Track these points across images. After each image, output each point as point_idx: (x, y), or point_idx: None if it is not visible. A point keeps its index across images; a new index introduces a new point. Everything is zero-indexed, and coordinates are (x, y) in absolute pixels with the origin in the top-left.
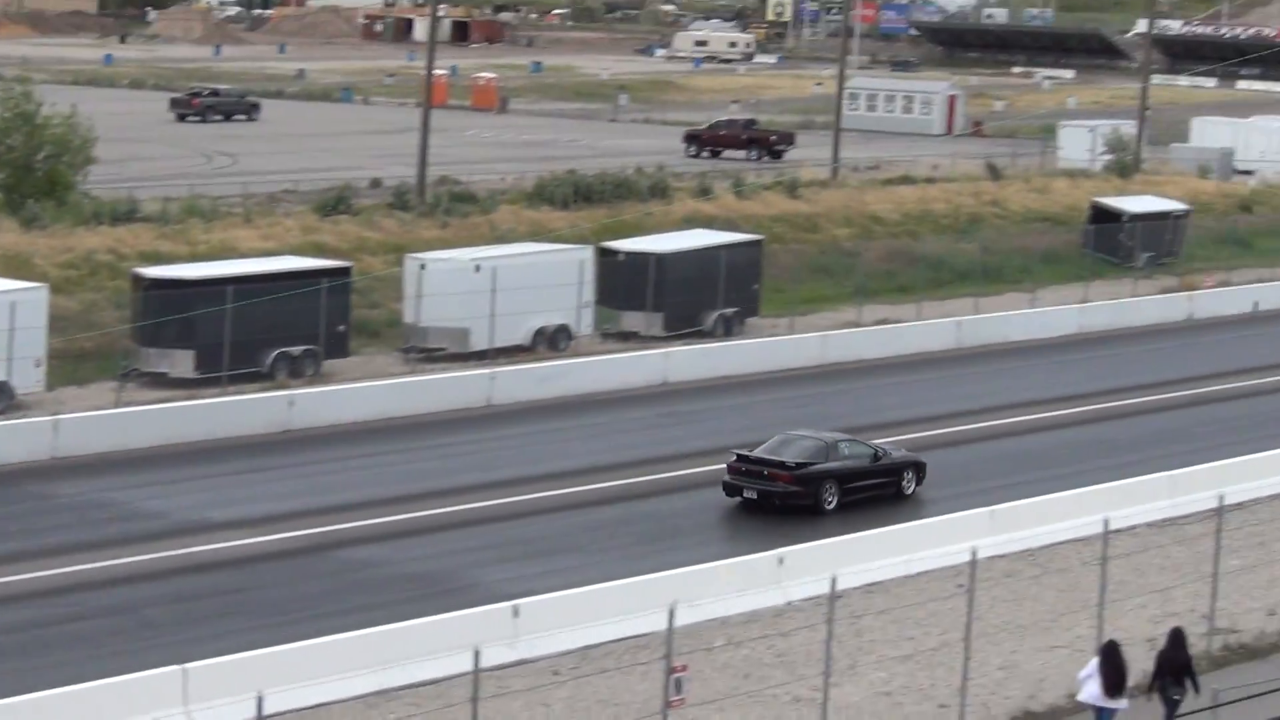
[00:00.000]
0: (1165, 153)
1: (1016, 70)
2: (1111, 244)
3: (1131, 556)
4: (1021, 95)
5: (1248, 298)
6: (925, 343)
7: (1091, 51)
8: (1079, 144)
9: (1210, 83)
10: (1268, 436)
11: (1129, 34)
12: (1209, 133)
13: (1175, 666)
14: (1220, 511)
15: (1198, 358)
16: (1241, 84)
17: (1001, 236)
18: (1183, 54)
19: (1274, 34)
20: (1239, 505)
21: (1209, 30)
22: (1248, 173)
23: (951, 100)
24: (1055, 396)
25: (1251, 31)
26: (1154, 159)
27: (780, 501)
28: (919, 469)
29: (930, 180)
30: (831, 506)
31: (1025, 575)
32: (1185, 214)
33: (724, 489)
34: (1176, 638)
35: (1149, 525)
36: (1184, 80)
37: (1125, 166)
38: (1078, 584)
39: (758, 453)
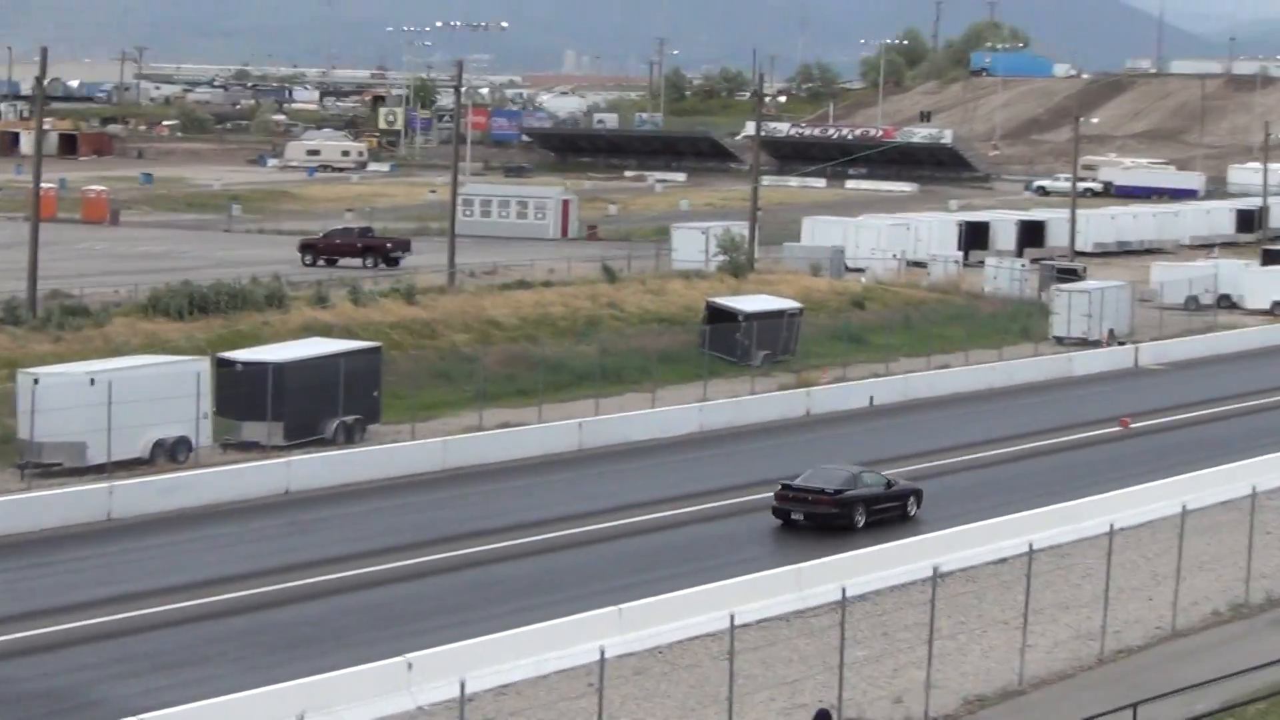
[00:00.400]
0: (778, 252)
1: (629, 174)
2: (728, 343)
3: (760, 650)
4: (635, 198)
5: (864, 392)
6: (548, 445)
7: (702, 154)
8: (692, 245)
9: (820, 183)
10: (901, 528)
11: (738, 136)
12: (820, 231)
13: None
14: (844, 603)
15: (817, 453)
16: (850, 183)
17: (620, 338)
18: (791, 155)
19: (879, 134)
20: (862, 596)
21: (817, 132)
22: (859, 270)
23: (565, 205)
24: (679, 495)
25: (858, 132)
26: (767, 258)
27: (822, 522)
28: (919, 495)
29: (547, 284)
30: (860, 525)
31: (655, 672)
32: (799, 312)
33: (773, 513)
34: (823, 717)
35: (777, 619)
36: (794, 181)
37: (739, 266)
38: (707, 679)
39: (799, 483)
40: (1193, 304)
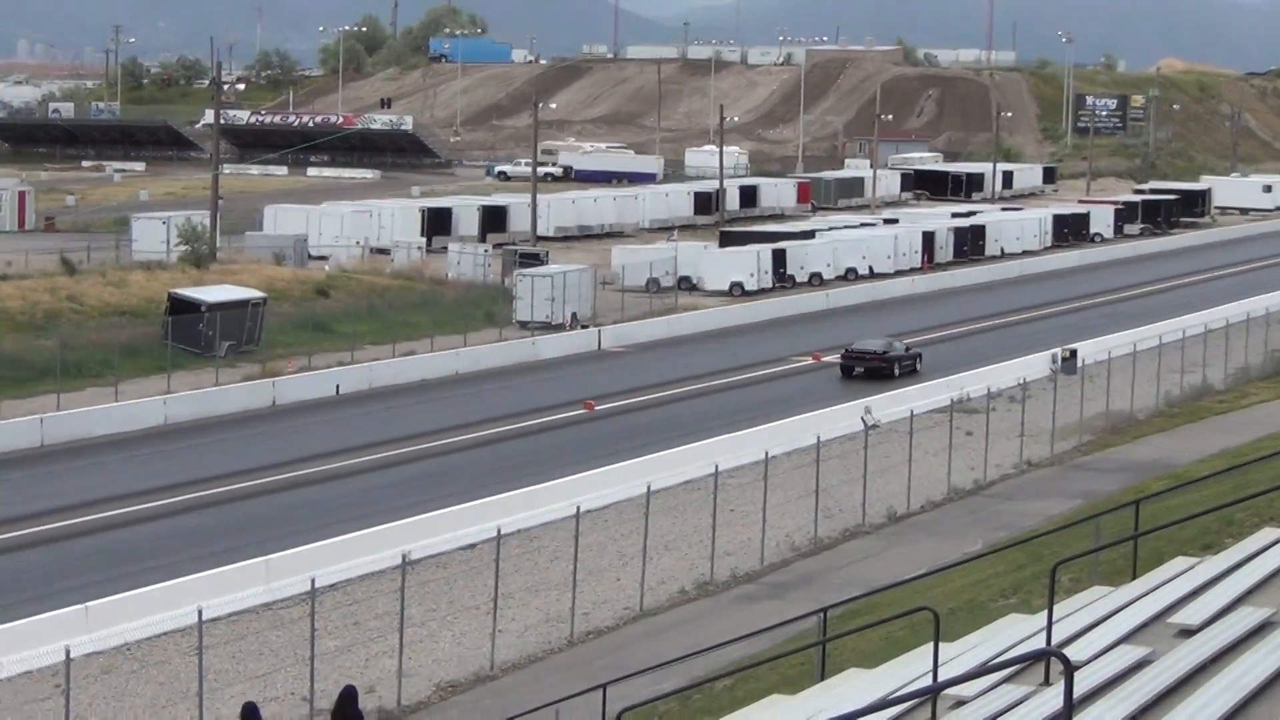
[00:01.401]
0: (241, 241)
1: (87, 164)
2: (191, 334)
3: (230, 644)
4: (94, 189)
5: (330, 381)
6: (9, 442)
7: (161, 143)
8: (153, 236)
9: (282, 170)
10: (357, 518)
11: (198, 125)
12: (283, 220)
13: None
14: (313, 594)
15: (285, 443)
16: (312, 171)
17: (81, 331)
18: (253, 143)
19: (340, 121)
20: (332, 587)
21: (277, 119)
22: (323, 258)
23: (21, 196)
24: (143, 490)
25: (319, 119)
26: (229, 248)
27: (874, 372)
28: (920, 357)
29: (4, 277)
30: (897, 375)
31: (124, 670)
32: (263, 301)
33: (841, 370)
34: (348, 695)
35: (247, 611)
36: (255, 169)
37: (201, 257)
38: (177, 675)
39: (855, 348)
40: (654, 286)
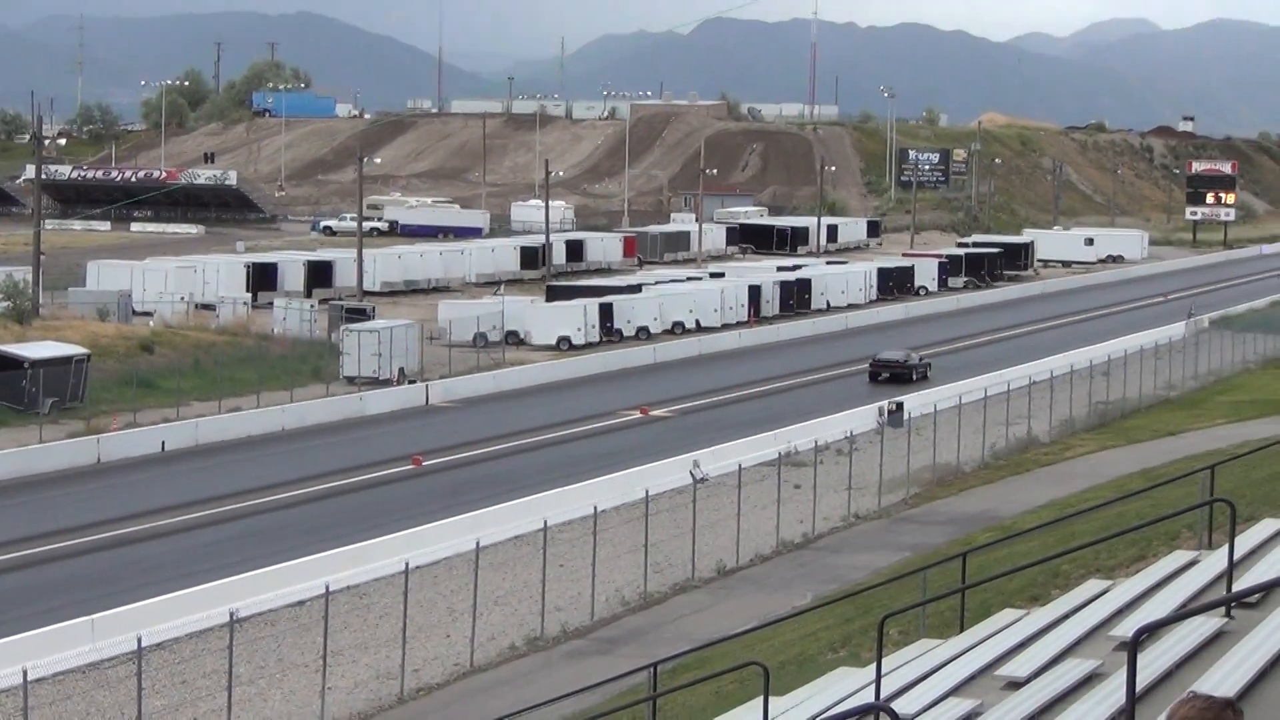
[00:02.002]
0: (64, 297)
1: None
2: (14, 391)
3: (55, 704)
4: None
5: (156, 438)
6: None
7: None
8: None
9: (105, 225)
10: (184, 575)
11: (19, 180)
12: (106, 275)
13: None
14: (140, 653)
15: (110, 500)
16: (135, 226)
17: None
18: (75, 198)
19: (163, 176)
20: (159, 645)
21: (100, 174)
22: (147, 314)
23: None
24: None
25: (142, 174)
26: (53, 304)
27: (898, 377)
28: (930, 365)
29: None
30: (916, 379)
31: None
32: (86, 358)
33: (870, 376)
34: None
35: (73, 671)
36: (78, 224)
37: (23, 313)
38: None
39: (881, 358)
40: (481, 341)
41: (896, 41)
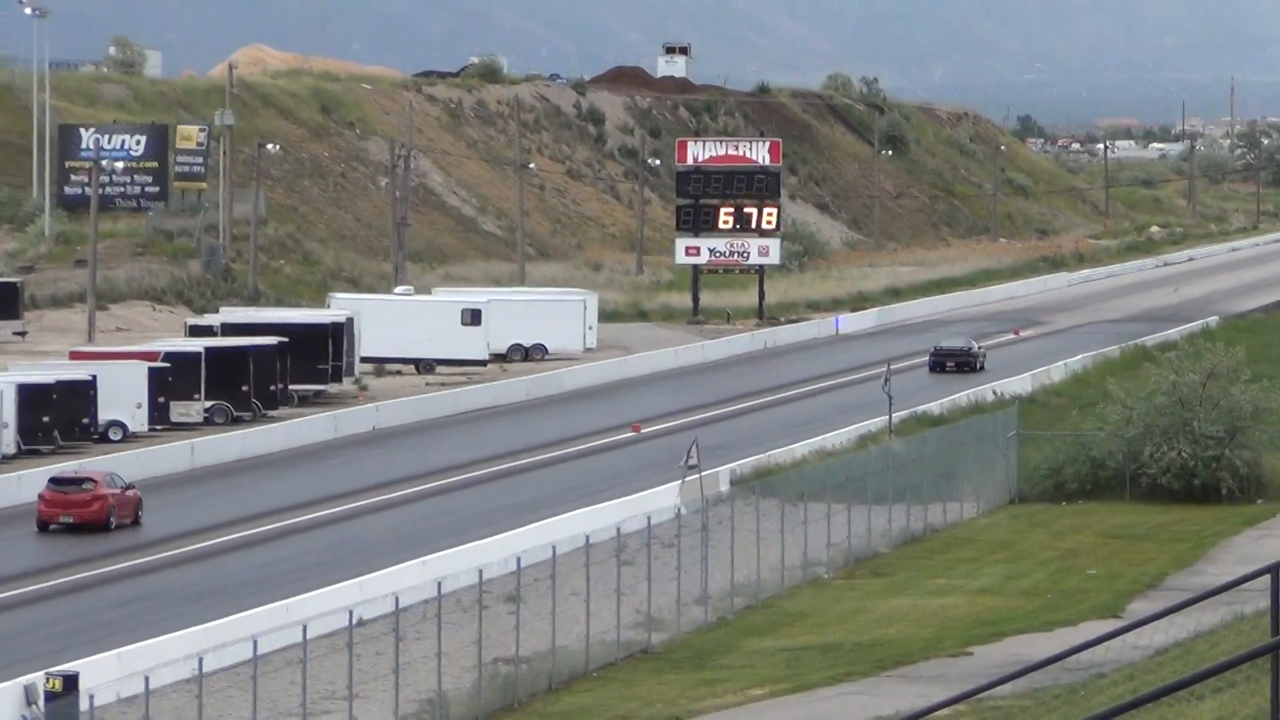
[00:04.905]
0: None
1: None
2: None
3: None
4: None
5: None
6: None
7: None
8: None
9: None
10: None
11: None
12: None
13: None
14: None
15: None
16: None
17: None
18: None
19: None
20: None
21: None
22: None
23: None
24: None
25: None
26: None
27: (962, 366)
28: (986, 354)
29: None
30: (979, 369)
31: None
32: None
33: (930, 367)
34: None
35: None
36: None
37: None
38: None
39: (943, 346)
40: None
41: None
